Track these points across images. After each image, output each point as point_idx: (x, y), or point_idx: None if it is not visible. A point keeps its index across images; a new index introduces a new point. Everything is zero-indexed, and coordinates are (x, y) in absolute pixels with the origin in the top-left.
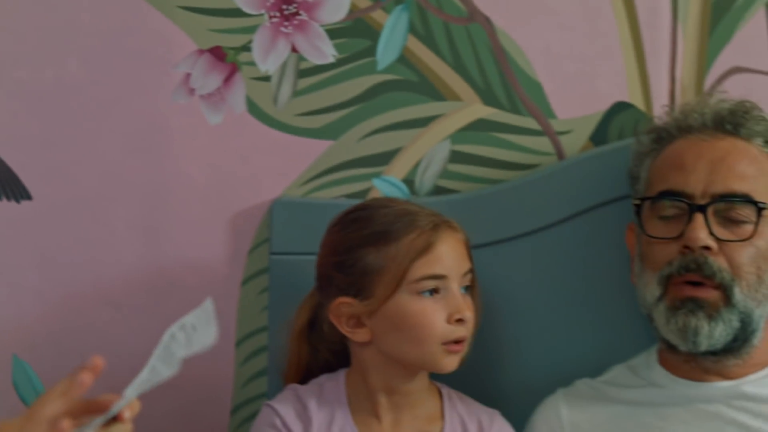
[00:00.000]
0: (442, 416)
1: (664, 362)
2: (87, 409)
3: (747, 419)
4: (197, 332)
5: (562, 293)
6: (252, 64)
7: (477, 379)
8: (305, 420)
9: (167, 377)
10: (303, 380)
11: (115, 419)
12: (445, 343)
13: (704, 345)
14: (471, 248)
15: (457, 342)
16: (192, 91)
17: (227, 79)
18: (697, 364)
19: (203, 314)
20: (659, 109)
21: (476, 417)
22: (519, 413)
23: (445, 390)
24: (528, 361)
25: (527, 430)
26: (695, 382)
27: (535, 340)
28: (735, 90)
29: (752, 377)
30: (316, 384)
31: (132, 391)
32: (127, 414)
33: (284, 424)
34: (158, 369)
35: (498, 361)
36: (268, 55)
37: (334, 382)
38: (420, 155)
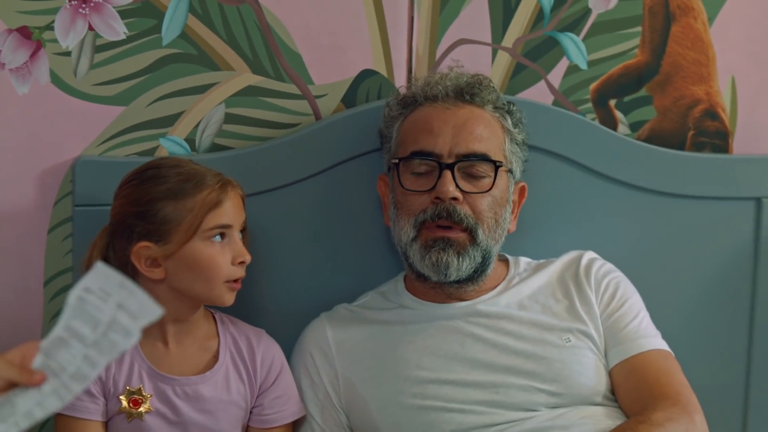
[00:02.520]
0: (217, 335)
1: (410, 288)
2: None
3: (482, 332)
4: (125, 300)
5: (321, 232)
6: (55, 41)
7: (247, 305)
8: None
9: (126, 348)
10: None
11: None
12: (228, 282)
13: (453, 276)
14: (246, 196)
15: (237, 280)
16: (2, 65)
17: (33, 55)
18: (442, 290)
19: (103, 277)
20: (399, 76)
21: (245, 335)
22: (285, 334)
23: (218, 314)
24: (291, 291)
25: (297, 348)
26: (438, 303)
27: (298, 273)
28: (461, 58)
29: (484, 297)
30: None
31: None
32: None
33: None
34: (87, 334)
35: (265, 291)
36: (69, 33)
37: None
38: (199, 118)
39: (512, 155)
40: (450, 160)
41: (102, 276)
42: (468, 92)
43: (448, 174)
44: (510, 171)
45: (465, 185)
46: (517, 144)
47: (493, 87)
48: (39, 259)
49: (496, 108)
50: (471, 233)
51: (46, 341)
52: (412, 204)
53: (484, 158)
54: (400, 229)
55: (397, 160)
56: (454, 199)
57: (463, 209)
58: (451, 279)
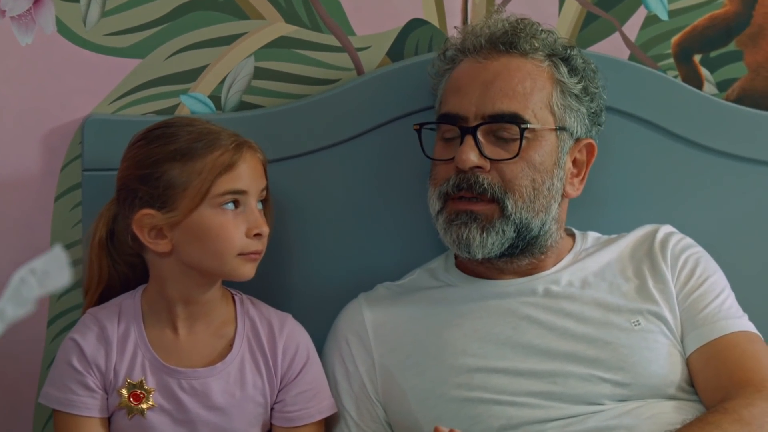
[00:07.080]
0: (236, 319)
1: (460, 264)
2: None
3: (538, 313)
4: (50, 276)
5: (362, 202)
6: None
7: (275, 287)
8: (105, 341)
9: (21, 317)
10: (103, 293)
11: None
12: (241, 254)
13: (479, 254)
14: (277, 161)
15: (254, 252)
16: (2, 12)
17: (37, 1)
18: (492, 265)
19: (54, 259)
20: (453, 26)
21: (267, 319)
22: (318, 320)
23: (239, 296)
24: (325, 270)
25: (332, 333)
26: (490, 280)
27: (335, 249)
28: (523, 6)
29: (542, 274)
30: (114, 303)
31: None
32: None
33: (83, 354)
34: (8, 311)
35: (295, 270)
36: None
37: (131, 300)
38: (225, 72)
39: (565, 110)
40: (475, 123)
41: (53, 259)
42: (504, 41)
43: (469, 140)
44: (563, 129)
45: (492, 151)
46: (573, 96)
47: (542, 30)
48: (45, 230)
49: (546, 56)
50: (499, 204)
51: None
52: (438, 173)
53: (512, 119)
54: (429, 201)
55: (418, 127)
56: (479, 167)
57: (488, 178)
58: (478, 257)
